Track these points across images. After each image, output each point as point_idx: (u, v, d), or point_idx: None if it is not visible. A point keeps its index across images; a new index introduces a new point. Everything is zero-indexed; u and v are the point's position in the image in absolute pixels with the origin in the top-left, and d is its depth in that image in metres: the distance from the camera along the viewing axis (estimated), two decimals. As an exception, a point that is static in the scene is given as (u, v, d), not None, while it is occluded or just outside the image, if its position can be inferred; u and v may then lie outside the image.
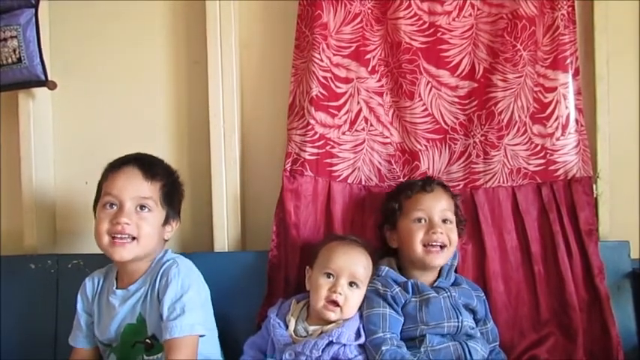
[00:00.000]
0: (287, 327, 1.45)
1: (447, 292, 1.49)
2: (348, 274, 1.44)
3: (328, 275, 1.44)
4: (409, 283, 1.49)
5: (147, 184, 1.47)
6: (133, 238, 1.44)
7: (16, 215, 1.90)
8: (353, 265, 1.45)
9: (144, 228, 1.44)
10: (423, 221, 1.53)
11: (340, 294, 1.42)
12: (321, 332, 1.42)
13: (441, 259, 1.51)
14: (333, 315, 1.42)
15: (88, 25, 1.93)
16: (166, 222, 1.51)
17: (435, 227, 1.50)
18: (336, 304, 1.42)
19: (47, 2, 1.88)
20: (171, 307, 1.40)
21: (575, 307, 1.60)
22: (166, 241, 1.56)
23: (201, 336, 1.43)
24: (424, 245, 1.50)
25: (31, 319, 1.75)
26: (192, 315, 1.40)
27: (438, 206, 1.53)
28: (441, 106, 1.70)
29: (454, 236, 1.53)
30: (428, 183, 1.57)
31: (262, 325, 1.52)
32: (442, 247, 1.50)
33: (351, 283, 1.44)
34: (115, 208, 1.45)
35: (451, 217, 1.54)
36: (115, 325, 1.49)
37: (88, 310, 1.56)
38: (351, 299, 1.43)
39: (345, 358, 1.38)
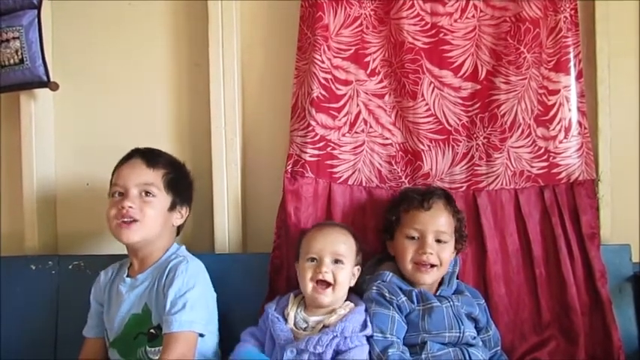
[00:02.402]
0: (286, 321, 1.44)
1: (450, 302, 1.49)
2: (331, 253, 1.44)
3: (312, 260, 1.45)
4: (414, 293, 1.48)
5: (149, 171, 1.54)
6: (138, 221, 1.50)
7: (17, 216, 1.90)
8: (333, 244, 1.46)
9: (147, 211, 1.51)
10: (415, 238, 1.52)
11: (327, 272, 1.42)
12: (323, 326, 1.41)
13: (430, 277, 1.50)
14: (325, 298, 1.42)
15: (91, 26, 1.93)
16: (173, 208, 1.57)
17: (425, 247, 1.49)
18: (326, 283, 1.42)
19: (49, 4, 1.88)
20: (174, 302, 1.43)
21: (577, 310, 1.60)
22: (179, 230, 1.62)
23: (201, 335, 1.44)
24: (415, 263, 1.50)
25: (32, 320, 1.75)
26: (193, 312, 1.42)
27: (433, 226, 1.51)
28: (444, 106, 1.70)
29: (446, 255, 1.50)
30: (427, 198, 1.53)
31: (259, 320, 1.51)
32: (432, 265, 1.50)
33: (336, 261, 1.44)
34: (121, 196, 1.51)
35: (446, 236, 1.51)
36: (122, 314, 1.52)
37: (99, 300, 1.59)
38: (340, 275, 1.43)
39: (346, 348, 1.38)
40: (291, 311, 1.45)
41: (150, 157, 1.57)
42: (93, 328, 1.60)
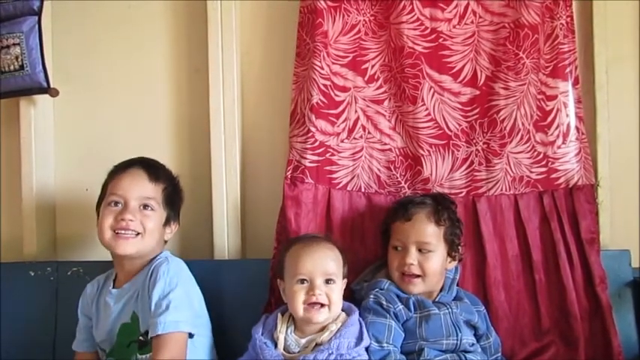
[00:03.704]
0: (276, 345, 1.38)
1: (447, 308, 1.48)
2: (321, 273, 1.38)
3: (302, 281, 1.38)
4: (411, 301, 1.48)
5: (151, 185, 1.53)
6: (137, 234, 1.49)
7: (16, 222, 1.90)
8: (323, 263, 1.39)
9: (147, 225, 1.50)
10: (399, 249, 1.52)
11: (320, 294, 1.37)
12: (316, 345, 1.36)
13: (415, 287, 1.49)
14: (320, 316, 1.36)
15: (91, 33, 1.93)
16: (167, 223, 1.56)
17: (405, 258, 1.49)
18: (321, 305, 1.37)
19: (49, 10, 1.88)
20: (158, 304, 1.41)
21: (577, 315, 1.60)
22: (166, 242, 1.60)
23: (191, 335, 1.43)
24: (400, 273, 1.50)
25: (31, 325, 1.75)
26: (177, 312, 1.40)
27: (414, 236, 1.50)
28: (444, 111, 1.70)
29: (431, 265, 1.49)
30: (408, 209, 1.53)
31: (248, 346, 1.45)
32: (417, 276, 1.49)
33: (327, 281, 1.39)
34: (119, 206, 1.50)
35: (430, 246, 1.50)
36: (111, 326, 1.50)
37: (87, 313, 1.58)
38: (334, 295, 1.38)
39: None
40: (281, 333, 1.39)
41: (151, 169, 1.55)
42: (82, 342, 1.58)
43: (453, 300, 1.53)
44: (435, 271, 1.50)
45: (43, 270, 1.77)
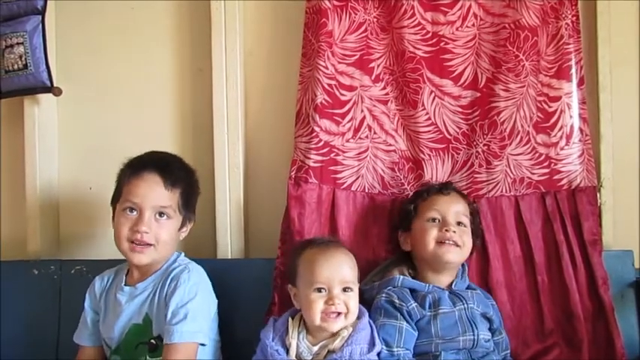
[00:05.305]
0: (287, 350, 1.36)
1: (463, 304, 1.47)
2: (340, 282, 1.35)
3: (319, 290, 1.35)
4: (427, 299, 1.46)
5: (167, 192, 1.49)
6: (152, 245, 1.47)
7: (20, 220, 1.90)
8: (340, 270, 1.36)
9: (162, 235, 1.48)
10: (437, 221, 1.52)
11: (339, 303, 1.34)
12: (328, 351, 1.34)
13: (454, 255, 1.49)
14: (336, 325, 1.34)
15: (94, 32, 1.94)
16: (183, 226, 1.55)
17: (448, 225, 1.50)
18: (337, 314, 1.34)
19: (53, 9, 1.89)
20: (176, 312, 1.41)
21: (580, 317, 1.59)
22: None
23: (201, 345, 1.43)
24: (438, 242, 1.50)
25: (34, 324, 1.75)
26: (195, 322, 1.41)
27: (453, 208, 1.53)
28: (444, 115, 1.70)
29: (468, 239, 1.52)
30: (445, 187, 1.58)
31: (257, 349, 1.43)
32: (456, 245, 1.50)
33: (345, 289, 1.36)
34: (135, 213, 1.47)
35: (466, 221, 1.53)
36: (121, 324, 1.49)
37: (95, 308, 1.57)
38: (351, 303, 1.36)
39: None
40: (293, 339, 1.37)
41: (168, 174, 1.50)
42: (89, 336, 1.57)
43: (467, 289, 1.53)
44: (469, 246, 1.53)
45: (47, 268, 1.77)
